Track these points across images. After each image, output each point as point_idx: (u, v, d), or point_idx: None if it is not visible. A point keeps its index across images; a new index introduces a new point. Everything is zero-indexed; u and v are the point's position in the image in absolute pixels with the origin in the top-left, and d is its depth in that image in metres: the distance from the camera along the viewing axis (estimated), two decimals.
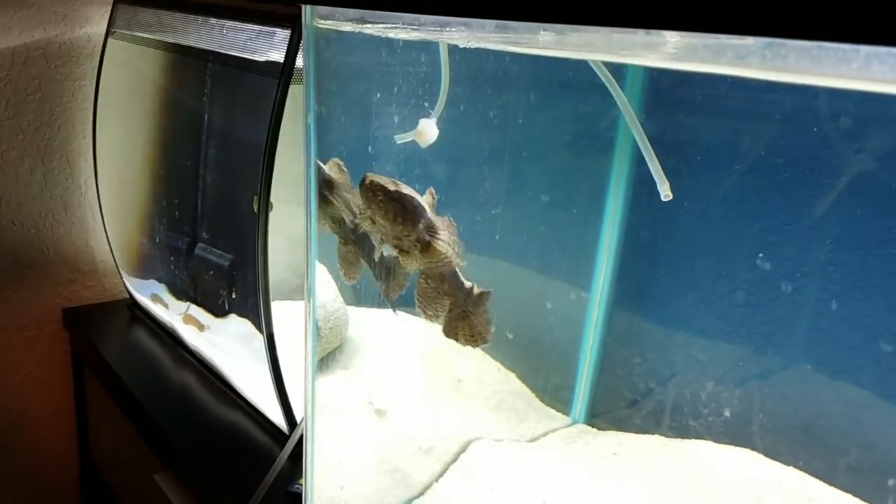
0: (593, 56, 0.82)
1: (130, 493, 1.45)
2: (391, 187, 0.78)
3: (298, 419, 1.11)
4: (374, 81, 0.85)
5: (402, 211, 0.78)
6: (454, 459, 0.98)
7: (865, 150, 0.83)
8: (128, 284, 1.59)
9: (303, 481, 1.02)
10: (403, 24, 0.72)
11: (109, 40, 1.47)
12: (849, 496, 0.85)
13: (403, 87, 0.85)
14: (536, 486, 0.90)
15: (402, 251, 0.82)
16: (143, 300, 1.55)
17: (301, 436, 0.99)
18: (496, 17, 0.62)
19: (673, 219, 0.99)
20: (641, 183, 1.00)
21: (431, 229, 0.80)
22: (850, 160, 0.85)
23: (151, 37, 1.39)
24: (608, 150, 1.01)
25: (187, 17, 1.28)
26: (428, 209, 0.81)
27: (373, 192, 0.78)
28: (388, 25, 0.77)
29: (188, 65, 1.33)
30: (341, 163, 0.87)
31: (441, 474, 0.96)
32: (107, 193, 1.55)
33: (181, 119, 1.38)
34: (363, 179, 0.79)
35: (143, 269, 1.55)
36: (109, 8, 1.48)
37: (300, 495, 1.00)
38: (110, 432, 1.53)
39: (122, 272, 1.59)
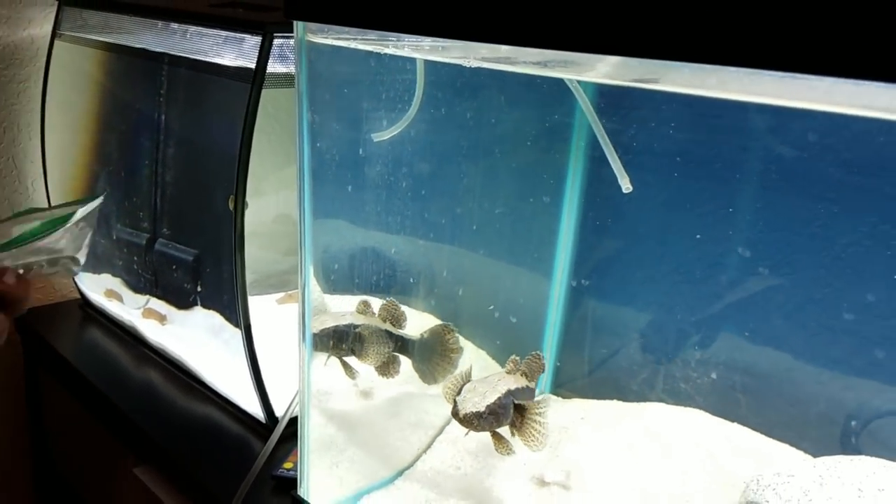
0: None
1: (95, 490, 1.47)
2: (481, 408, 0.86)
3: (275, 408, 1.16)
4: (363, 89, 0.92)
5: (497, 421, 0.88)
6: (440, 432, 1.06)
7: (776, 151, 0.95)
8: (79, 283, 1.59)
9: (288, 465, 1.07)
10: (393, 41, 0.79)
11: (56, 42, 1.47)
12: (786, 446, 0.98)
13: (390, 93, 0.92)
14: (517, 450, 0.99)
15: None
16: (97, 298, 1.56)
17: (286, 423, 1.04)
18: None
19: (622, 208, 1.09)
20: (595, 177, 1.10)
21: (522, 414, 0.90)
22: (768, 157, 0.97)
23: (104, 39, 1.39)
24: (565, 149, 1.11)
25: (145, 20, 1.29)
26: (509, 384, 0.90)
27: (469, 422, 0.87)
28: (376, 43, 0.84)
29: (143, 67, 1.34)
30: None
31: (429, 446, 1.04)
32: (56, 195, 1.55)
33: (136, 121, 1.38)
34: (455, 413, 0.88)
35: (97, 267, 1.54)
36: (54, 10, 1.47)
37: (289, 479, 1.03)
38: (71, 432, 1.53)
39: None
